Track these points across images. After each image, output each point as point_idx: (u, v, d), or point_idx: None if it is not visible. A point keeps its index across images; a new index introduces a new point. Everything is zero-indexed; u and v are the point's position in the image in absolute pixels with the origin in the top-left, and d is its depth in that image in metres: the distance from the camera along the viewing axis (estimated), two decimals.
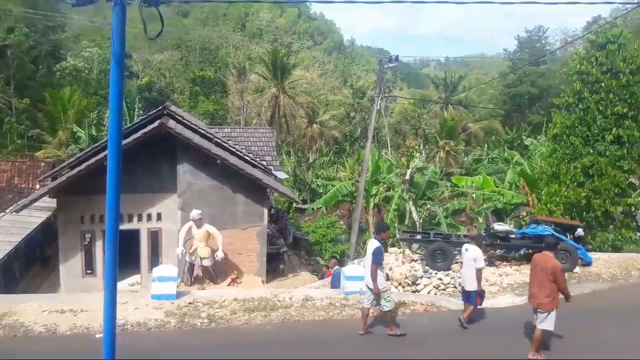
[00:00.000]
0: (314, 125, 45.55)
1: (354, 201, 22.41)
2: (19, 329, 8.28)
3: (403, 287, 11.48)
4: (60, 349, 7.64)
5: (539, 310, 7.46)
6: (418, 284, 11.53)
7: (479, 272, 8.57)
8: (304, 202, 30.18)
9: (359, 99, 46.06)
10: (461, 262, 9.39)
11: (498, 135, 47.06)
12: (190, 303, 9.64)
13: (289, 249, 19.91)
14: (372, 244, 8.26)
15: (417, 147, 34.03)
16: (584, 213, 16.64)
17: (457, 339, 8.47)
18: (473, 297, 8.70)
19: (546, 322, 7.38)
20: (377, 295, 8.12)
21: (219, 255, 14.35)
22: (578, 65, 17.67)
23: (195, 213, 14.24)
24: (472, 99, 53.62)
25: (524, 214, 17.64)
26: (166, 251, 15.18)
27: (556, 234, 12.76)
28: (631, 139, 16.46)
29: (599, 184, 16.34)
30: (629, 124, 16.46)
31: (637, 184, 17.27)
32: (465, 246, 8.99)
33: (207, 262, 14.59)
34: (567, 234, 13.15)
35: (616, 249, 15.93)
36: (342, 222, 25.54)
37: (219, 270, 14.97)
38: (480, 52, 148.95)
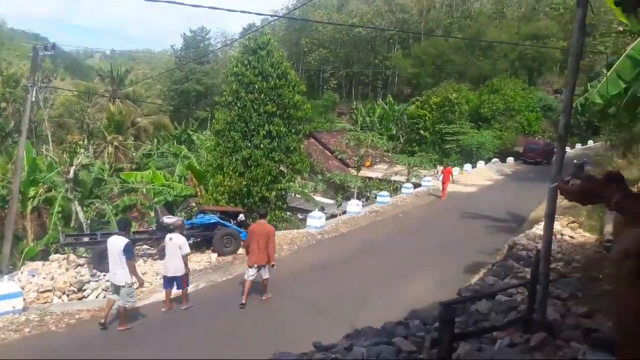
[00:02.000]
0: None
1: (6, 206, 19.19)
2: None
3: (68, 295, 10.48)
4: None
5: (262, 266, 9.38)
6: (85, 290, 10.76)
7: (185, 257, 9.27)
8: None
9: (11, 88, 39.59)
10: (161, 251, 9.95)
11: (167, 130, 47.73)
12: None
13: None
14: (119, 241, 8.15)
15: (80, 142, 31.44)
16: (245, 199, 18.39)
17: (120, 338, 8.31)
18: (180, 281, 9.31)
19: (267, 272, 9.54)
20: (125, 290, 8.21)
21: None
22: (234, 67, 19.22)
23: None
24: (140, 93, 52.92)
25: (193, 204, 18.51)
26: None
27: (222, 221, 13.89)
28: (279, 133, 18.92)
29: (256, 173, 18.35)
30: (277, 121, 18.86)
31: (285, 172, 20.17)
32: (169, 235, 9.43)
33: None
34: (231, 220, 14.41)
35: None
36: None
37: None
38: (146, 47, 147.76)
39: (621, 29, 12.73)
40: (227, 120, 18.99)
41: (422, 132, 38.60)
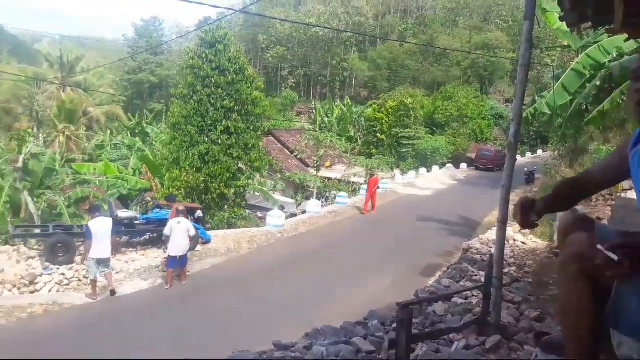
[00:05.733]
0: None
1: None
2: None
3: (19, 289, 10.08)
4: None
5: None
6: (37, 283, 10.35)
7: (192, 238, 11.11)
8: None
9: None
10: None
11: (120, 122, 46.27)
12: None
13: None
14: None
15: (29, 130, 30.01)
16: (203, 195, 18.13)
17: (84, 335, 8.10)
18: (185, 259, 10.85)
19: None
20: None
21: None
22: (191, 60, 18.95)
23: None
24: (92, 82, 50.96)
25: (149, 199, 18.06)
26: None
27: None
28: (238, 129, 18.78)
29: (214, 169, 18.12)
30: (236, 117, 18.73)
31: (244, 169, 20.00)
32: (177, 219, 10.81)
33: None
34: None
35: (230, 225, 18.15)
36: None
37: None
38: (98, 34, 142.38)
39: (565, 43, 13.41)
40: (183, 113, 18.67)
41: (379, 135, 39.11)
